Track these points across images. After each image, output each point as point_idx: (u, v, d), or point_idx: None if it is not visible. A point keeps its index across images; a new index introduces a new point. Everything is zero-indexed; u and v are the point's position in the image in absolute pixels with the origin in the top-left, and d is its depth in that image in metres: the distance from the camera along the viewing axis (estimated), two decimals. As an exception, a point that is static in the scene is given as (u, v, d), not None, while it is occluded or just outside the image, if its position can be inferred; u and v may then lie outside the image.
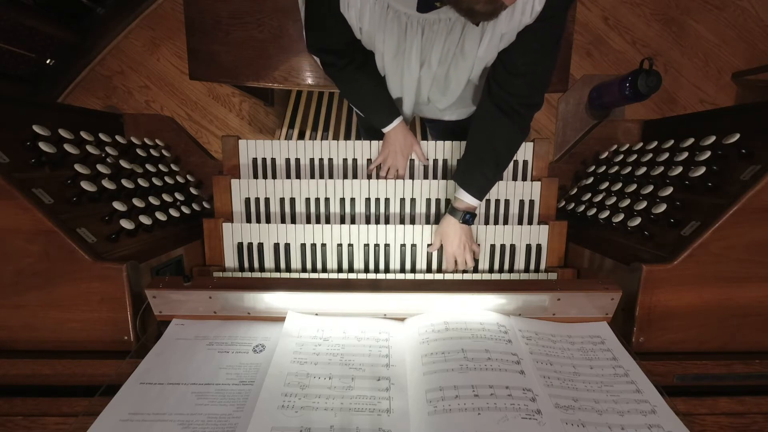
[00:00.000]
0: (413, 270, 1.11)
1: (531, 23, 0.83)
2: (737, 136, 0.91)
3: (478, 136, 1.02)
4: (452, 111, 1.24)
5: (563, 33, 0.89)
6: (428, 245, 1.09)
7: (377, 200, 1.14)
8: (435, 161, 1.22)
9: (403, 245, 1.09)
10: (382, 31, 0.92)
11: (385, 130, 1.15)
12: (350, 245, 1.08)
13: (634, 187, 1.05)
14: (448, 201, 1.13)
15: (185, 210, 1.14)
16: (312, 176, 1.21)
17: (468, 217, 1.02)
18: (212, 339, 0.78)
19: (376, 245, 1.09)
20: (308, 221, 1.14)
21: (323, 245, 1.08)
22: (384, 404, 0.63)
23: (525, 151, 1.20)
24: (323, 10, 0.92)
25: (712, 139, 0.96)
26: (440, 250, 1.09)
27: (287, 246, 1.08)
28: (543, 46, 0.88)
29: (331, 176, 1.21)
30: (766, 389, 0.73)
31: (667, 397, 0.65)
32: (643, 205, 0.98)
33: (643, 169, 1.07)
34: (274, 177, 1.20)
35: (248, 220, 1.14)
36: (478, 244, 1.09)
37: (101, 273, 0.79)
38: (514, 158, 1.19)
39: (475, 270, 1.10)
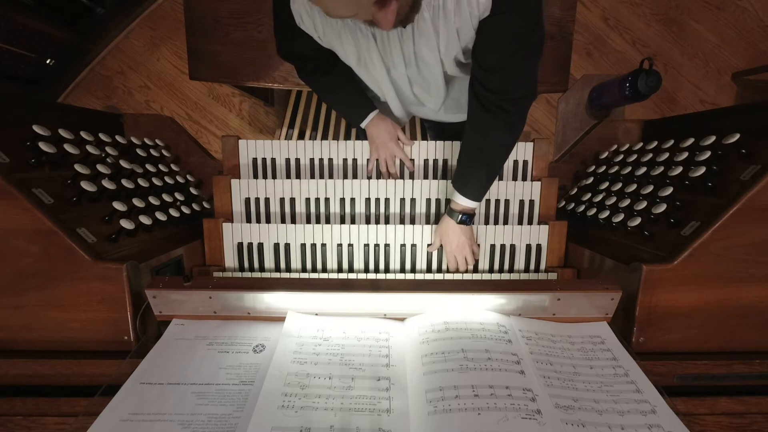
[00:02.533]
0: (413, 270, 1.11)
1: (488, 16, 0.80)
2: (737, 136, 0.91)
3: (467, 138, 1.00)
4: (449, 113, 1.24)
5: (535, 20, 0.83)
6: (428, 245, 1.09)
7: (377, 200, 1.14)
8: (435, 161, 1.22)
9: (403, 245, 1.09)
10: (339, 39, 0.93)
11: (363, 125, 1.16)
12: (350, 245, 1.08)
13: (634, 187, 1.05)
14: (448, 201, 1.13)
15: (185, 210, 1.14)
16: (312, 176, 1.21)
17: (465, 218, 1.02)
18: (212, 339, 0.78)
19: (376, 245, 1.09)
20: (308, 221, 1.14)
21: (323, 245, 1.08)
22: (384, 404, 0.63)
23: (525, 151, 1.20)
24: (284, 24, 0.95)
25: (712, 139, 0.96)
26: (440, 249, 1.09)
27: (287, 246, 1.08)
28: (513, 39, 0.84)
29: (331, 176, 1.21)
30: (766, 389, 0.73)
31: (667, 397, 0.65)
32: (643, 205, 0.98)
33: (643, 169, 1.07)
34: (274, 177, 1.20)
35: (248, 220, 1.14)
36: (478, 244, 1.09)
37: (101, 273, 0.79)
38: (514, 158, 1.19)
39: (475, 270, 1.10)
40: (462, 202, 1.01)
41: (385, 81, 1.04)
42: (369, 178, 1.20)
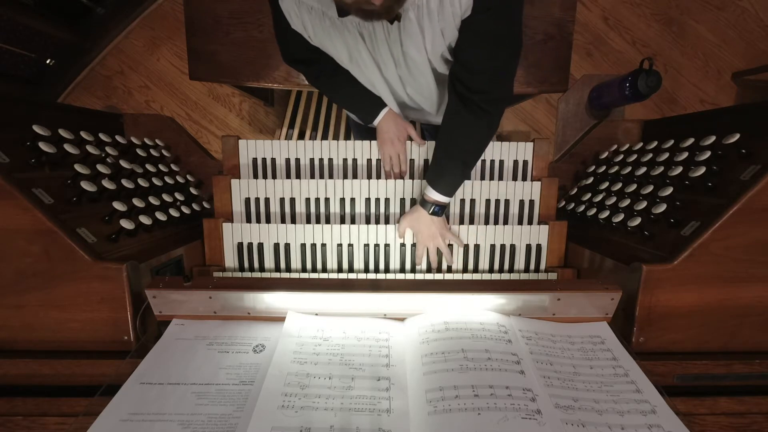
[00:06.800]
0: (413, 270, 1.11)
1: (470, 15, 0.80)
2: (737, 136, 0.91)
3: (446, 134, 1.01)
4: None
5: (516, 21, 0.85)
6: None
7: (377, 200, 1.14)
8: (435, 161, 1.21)
9: (403, 245, 1.09)
10: (329, 39, 0.93)
11: (376, 122, 1.16)
12: (350, 245, 1.08)
13: (634, 187, 1.05)
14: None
15: (185, 210, 1.14)
16: (312, 176, 1.21)
17: (437, 209, 1.03)
18: (212, 339, 0.78)
19: (376, 245, 1.09)
20: (308, 221, 1.14)
21: (323, 245, 1.08)
22: (384, 404, 0.63)
23: (525, 151, 1.20)
24: (282, 26, 0.96)
25: (712, 139, 0.96)
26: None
27: (287, 246, 1.08)
28: (492, 40, 0.84)
29: (331, 176, 1.21)
30: (766, 389, 0.73)
31: (667, 397, 0.65)
32: (643, 205, 0.98)
33: (643, 169, 1.07)
34: (274, 177, 1.20)
35: (248, 220, 1.14)
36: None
37: (101, 273, 0.79)
38: (514, 158, 1.19)
39: (476, 270, 1.10)
40: (434, 196, 1.02)
41: (379, 80, 1.04)
42: (368, 177, 1.20)
